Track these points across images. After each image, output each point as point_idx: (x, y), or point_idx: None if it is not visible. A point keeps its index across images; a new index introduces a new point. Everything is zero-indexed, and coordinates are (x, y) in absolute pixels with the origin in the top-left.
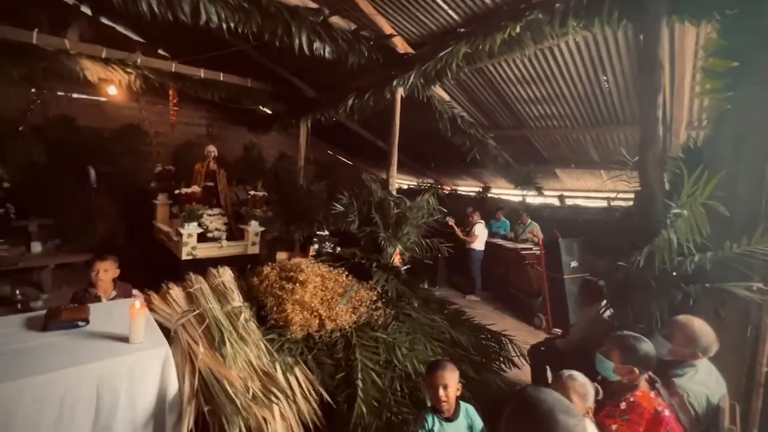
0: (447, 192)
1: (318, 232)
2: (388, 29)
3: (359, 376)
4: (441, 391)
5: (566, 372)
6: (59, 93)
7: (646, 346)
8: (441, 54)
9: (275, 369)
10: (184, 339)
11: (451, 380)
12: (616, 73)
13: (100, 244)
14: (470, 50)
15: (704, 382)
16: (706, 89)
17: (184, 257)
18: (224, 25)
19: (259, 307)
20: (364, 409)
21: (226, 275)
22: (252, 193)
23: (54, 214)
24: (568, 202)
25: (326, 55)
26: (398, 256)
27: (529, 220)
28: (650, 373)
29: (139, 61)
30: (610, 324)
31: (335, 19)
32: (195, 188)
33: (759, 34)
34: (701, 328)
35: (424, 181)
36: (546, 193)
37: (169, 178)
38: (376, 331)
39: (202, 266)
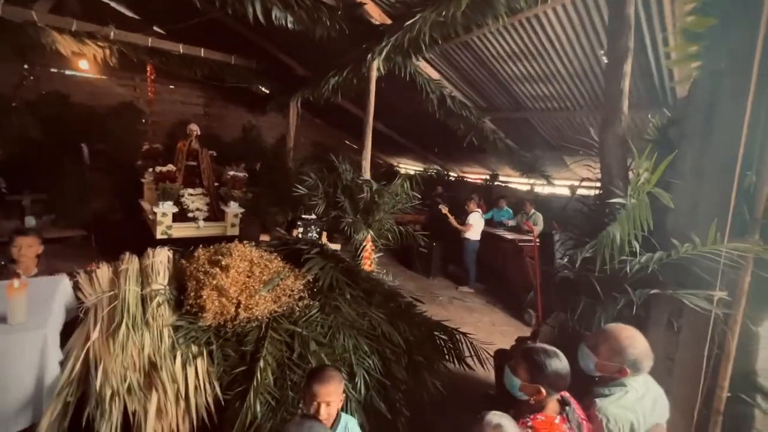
0: (453, 179)
1: (304, 216)
2: None
3: (257, 372)
4: (322, 409)
5: (495, 419)
6: (52, 70)
7: (557, 364)
8: (408, 23)
9: (174, 359)
10: (90, 321)
11: (334, 396)
12: None
13: (94, 220)
14: (441, 19)
15: (632, 407)
16: (684, 55)
17: (158, 236)
18: None
19: (183, 291)
20: (253, 407)
21: (160, 255)
22: (231, 173)
23: (47, 189)
24: (581, 192)
25: (289, 25)
26: (369, 243)
27: (533, 210)
28: (563, 393)
29: (112, 35)
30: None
31: None
32: (170, 167)
33: None
34: (630, 338)
35: (431, 168)
36: (557, 182)
37: (156, 156)
38: (294, 323)
39: (179, 246)
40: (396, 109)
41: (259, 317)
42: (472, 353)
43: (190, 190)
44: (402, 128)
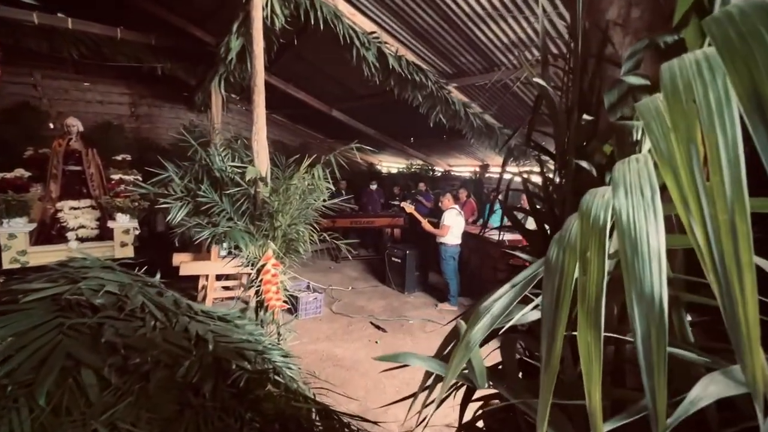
0: (439, 174)
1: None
2: None
3: None
4: None
5: None
6: None
7: None
8: None
9: None
10: None
11: None
12: None
13: None
14: None
15: None
16: None
17: (7, 265)
18: None
19: None
20: None
21: None
22: (118, 176)
23: None
24: None
25: None
26: (270, 261)
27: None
28: None
29: None
30: None
31: None
32: (20, 172)
33: None
34: None
35: (413, 164)
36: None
37: (44, 164)
38: None
39: None
40: (352, 92)
41: None
42: None
43: (72, 203)
44: (363, 115)
